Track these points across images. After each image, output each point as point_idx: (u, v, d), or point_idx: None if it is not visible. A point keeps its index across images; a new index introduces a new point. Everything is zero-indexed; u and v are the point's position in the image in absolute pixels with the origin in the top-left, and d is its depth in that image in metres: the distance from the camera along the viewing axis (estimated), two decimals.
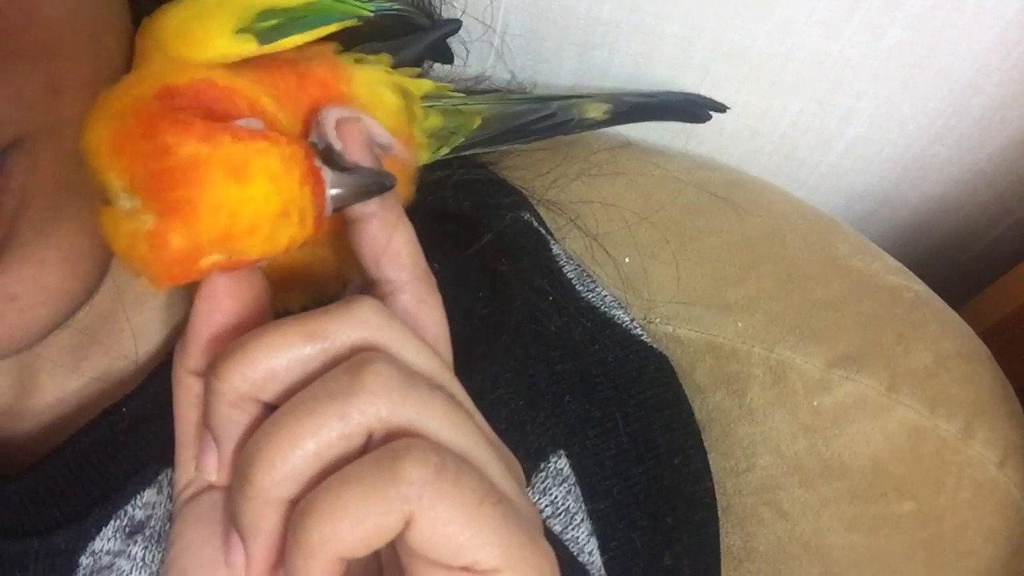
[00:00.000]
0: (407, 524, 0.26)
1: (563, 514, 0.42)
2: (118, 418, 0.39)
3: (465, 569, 0.26)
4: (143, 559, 0.37)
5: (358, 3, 0.35)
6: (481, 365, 0.43)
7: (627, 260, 0.52)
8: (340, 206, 0.30)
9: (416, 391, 0.27)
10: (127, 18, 0.34)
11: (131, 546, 0.37)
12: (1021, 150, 0.64)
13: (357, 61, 0.36)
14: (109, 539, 0.37)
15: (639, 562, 0.44)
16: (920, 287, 0.56)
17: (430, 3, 0.44)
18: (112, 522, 0.37)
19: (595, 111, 0.49)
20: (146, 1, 0.33)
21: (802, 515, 0.51)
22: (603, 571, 0.43)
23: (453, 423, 0.28)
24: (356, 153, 0.31)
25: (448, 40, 0.43)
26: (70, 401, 0.40)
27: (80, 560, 0.37)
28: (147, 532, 0.38)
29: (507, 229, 0.47)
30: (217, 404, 0.28)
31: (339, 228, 0.32)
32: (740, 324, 0.52)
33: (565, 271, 0.48)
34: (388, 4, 0.37)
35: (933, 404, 0.51)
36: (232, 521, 0.28)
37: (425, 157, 0.40)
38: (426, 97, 0.39)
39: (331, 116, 0.32)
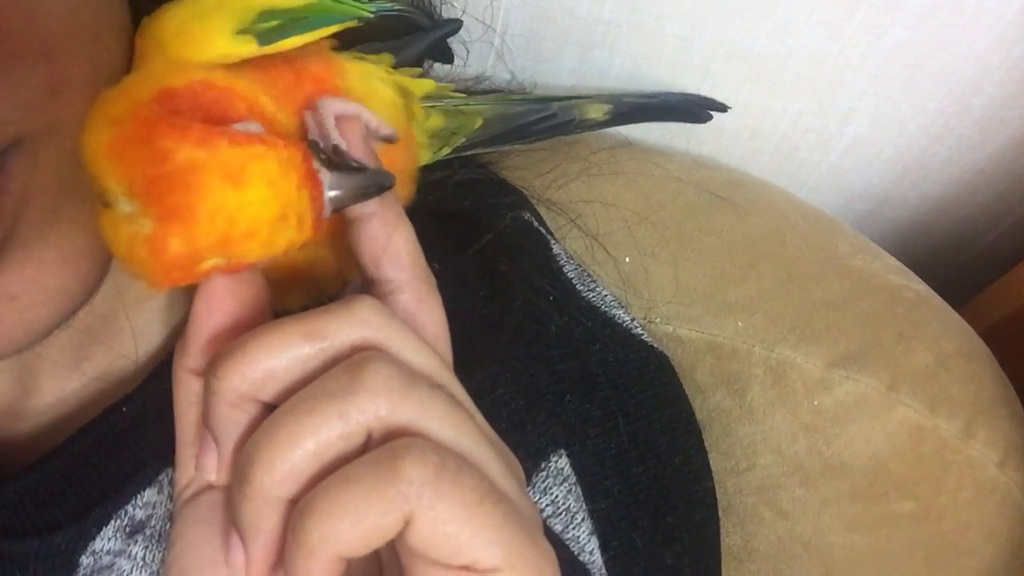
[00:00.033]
0: (407, 523, 0.26)
1: (564, 513, 0.42)
2: (118, 418, 0.39)
3: (465, 568, 0.26)
4: (143, 559, 0.37)
5: (358, 4, 0.35)
6: (481, 365, 0.42)
7: (627, 260, 0.52)
8: (339, 207, 0.30)
9: (416, 390, 0.27)
10: (127, 18, 0.34)
11: (131, 546, 0.37)
12: (1021, 150, 0.64)
13: (357, 59, 0.36)
14: (109, 539, 0.37)
15: (640, 561, 0.44)
16: (920, 287, 0.56)
17: (430, 3, 0.44)
18: (112, 522, 0.37)
19: (596, 112, 0.49)
20: (146, 1, 0.33)
21: (803, 515, 0.51)
22: (604, 570, 0.43)
23: (453, 422, 0.28)
24: (355, 153, 0.31)
25: (448, 40, 0.43)
26: (70, 401, 0.40)
27: (80, 560, 0.37)
28: (147, 532, 0.38)
29: (507, 229, 0.47)
30: (217, 404, 0.28)
31: (339, 228, 0.32)
32: (740, 324, 0.52)
33: (565, 271, 0.48)
34: (389, 5, 0.37)
35: (934, 404, 0.51)
36: (232, 521, 0.28)
37: (426, 157, 0.40)
38: (427, 97, 0.39)
39: (328, 107, 0.32)
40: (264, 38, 0.31)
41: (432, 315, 0.32)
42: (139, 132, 0.27)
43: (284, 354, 0.28)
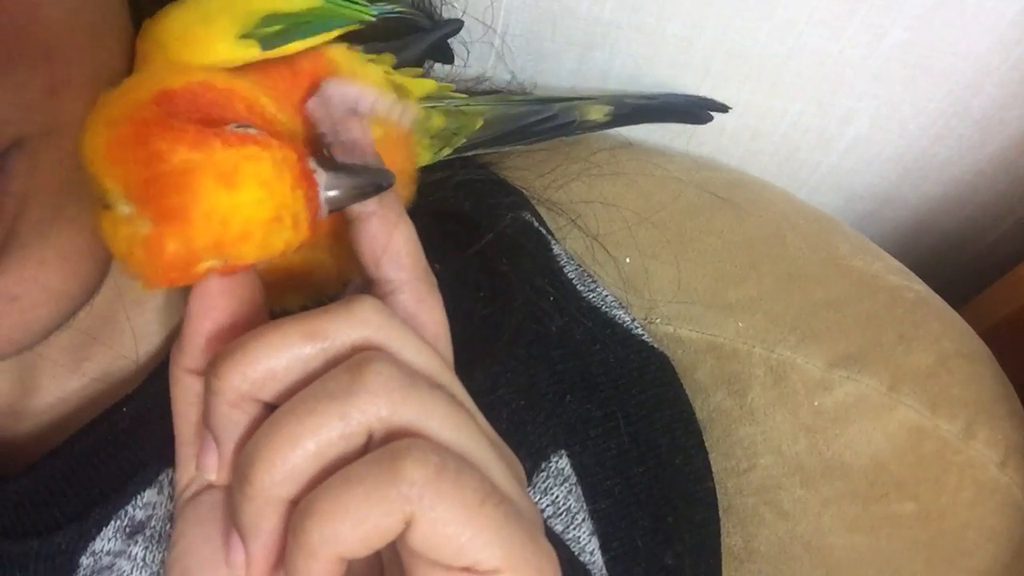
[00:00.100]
0: (408, 525, 0.26)
1: (564, 514, 0.42)
2: (119, 418, 0.39)
3: (466, 570, 0.26)
4: (144, 559, 0.37)
5: (360, 7, 0.35)
6: (482, 365, 0.42)
7: (628, 260, 0.52)
8: (336, 207, 0.30)
9: (417, 391, 0.27)
10: (127, 19, 0.34)
11: (132, 546, 0.37)
12: (1021, 150, 0.64)
13: (358, 59, 0.36)
14: (110, 539, 0.37)
15: (640, 562, 0.44)
16: (921, 287, 0.56)
17: (431, 4, 0.44)
18: (112, 522, 0.37)
19: (596, 113, 0.49)
20: (146, 2, 0.33)
21: (803, 515, 0.51)
22: (604, 571, 0.43)
23: (454, 423, 0.28)
24: (352, 152, 0.31)
25: (449, 41, 0.43)
26: (71, 401, 0.40)
27: (80, 560, 0.37)
28: (148, 532, 0.38)
29: (508, 229, 0.47)
30: (217, 403, 0.28)
31: (339, 228, 0.32)
32: (741, 324, 0.52)
33: (566, 271, 0.48)
34: (389, 7, 0.37)
35: (934, 404, 0.51)
36: (232, 521, 0.28)
37: (427, 158, 0.40)
38: (428, 98, 0.39)
39: (332, 90, 0.32)
40: (267, 42, 0.31)
41: (432, 315, 0.32)
42: (136, 134, 0.27)
43: (285, 354, 0.28)
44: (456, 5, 0.50)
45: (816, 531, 0.51)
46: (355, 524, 0.25)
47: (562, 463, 0.43)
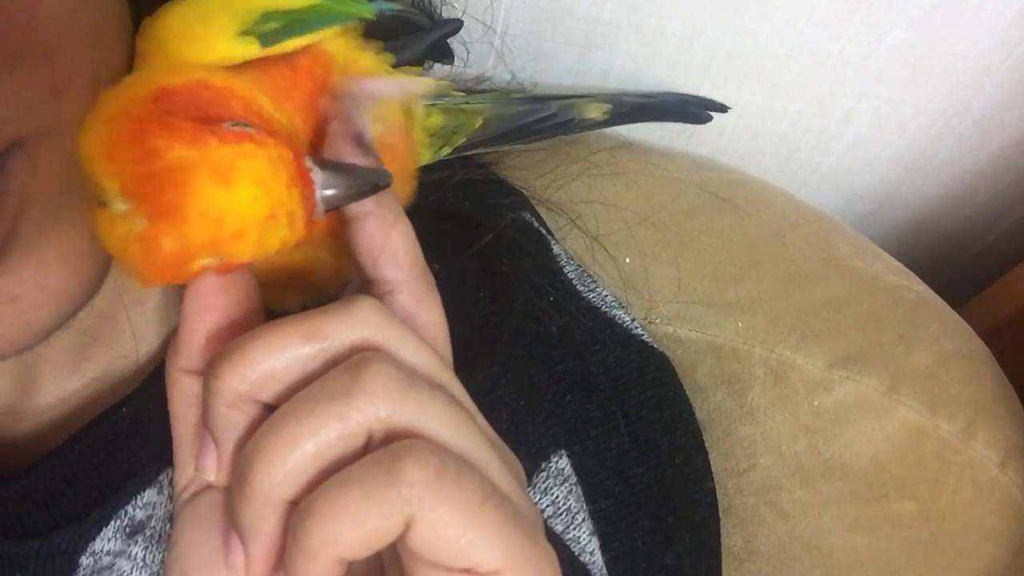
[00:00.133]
0: (408, 526, 0.26)
1: (564, 514, 0.42)
2: (118, 418, 0.39)
3: (467, 571, 0.26)
4: (144, 559, 0.37)
5: (360, 5, 0.35)
6: (482, 365, 0.42)
7: (628, 260, 0.52)
8: (333, 206, 0.30)
9: (416, 391, 0.27)
10: (128, 19, 0.34)
11: (132, 546, 0.37)
12: (1021, 150, 0.64)
13: (362, 53, 0.36)
14: (109, 539, 0.37)
15: (640, 562, 0.44)
16: (921, 287, 0.56)
17: (430, 4, 0.44)
18: (112, 522, 0.37)
19: (595, 111, 0.49)
20: (146, 1, 0.33)
21: (803, 515, 0.51)
22: (604, 571, 0.43)
23: (454, 423, 0.28)
24: (349, 152, 0.31)
25: (448, 40, 0.43)
26: (71, 401, 0.40)
27: (80, 560, 0.37)
28: (148, 532, 0.38)
29: (508, 229, 0.47)
30: (216, 404, 0.28)
31: (339, 228, 0.32)
32: (741, 324, 0.52)
33: (566, 271, 0.48)
34: (389, 5, 0.37)
35: (934, 404, 0.51)
36: (232, 522, 0.28)
37: (427, 157, 0.40)
38: (427, 96, 0.39)
39: (360, 87, 0.32)
40: (266, 39, 0.31)
41: (431, 315, 0.32)
42: (132, 131, 0.27)
43: (283, 354, 0.28)
44: (456, 5, 0.50)
45: (816, 531, 0.51)
46: (355, 525, 0.25)
47: (562, 463, 0.43)
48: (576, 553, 0.42)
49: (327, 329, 0.28)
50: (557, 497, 0.43)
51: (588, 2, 0.57)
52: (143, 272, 0.28)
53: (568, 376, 0.45)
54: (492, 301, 0.45)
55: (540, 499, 0.42)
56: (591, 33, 0.58)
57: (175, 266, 0.28)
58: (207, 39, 0.31)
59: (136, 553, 0.37)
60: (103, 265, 0.33)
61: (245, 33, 0.31)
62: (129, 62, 0.32)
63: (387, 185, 0.30)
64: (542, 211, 0.51)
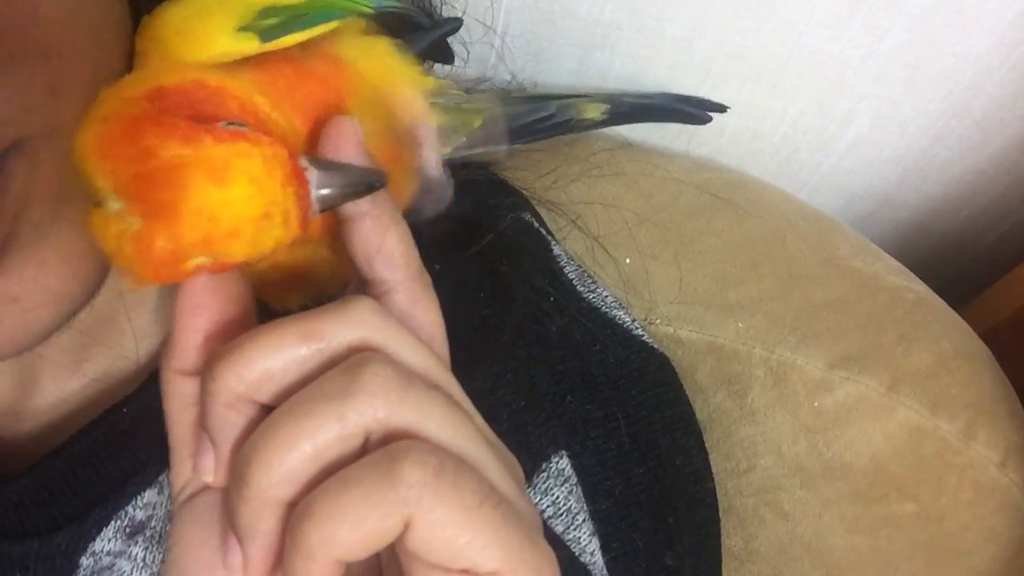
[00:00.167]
0: (406, 527, 0.26)
1: (565, 514, 0.42)
2: (119, 419, 0.39)
3: (465, 572, 0.26)
4: (144, 560, 0.37)
5: (359, 0, 0.35)
6: (482, 365, 0.42)
7: (628, 261, 0.52)
8: (328, 206, 0.30)
9: (414, 392, 0.27)
10: (127, 19, 0.34)
11: (132, 547, 0.37)
12: (1022, 151, 0.64)
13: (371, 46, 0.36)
14: (110, 540, 0.37)
15: (641, 562, 0.44)
16: (921, 288, 0.56)
17: (430, 3, 0.44)
18: (112, 523, 0.37)
19: (594, 111, 0.49)
20: (145, 1, 0.33)
21: (803, 516, 0.51)
22: (605, 571, 0.43)
23: (452, 424, 0.28)
24: (346, 152, 0.31)
25: (449, 41, 0.43)
26: (71, 402, 0.40)
27: (80, 561, 0.37)
28: (148, 533, 0.38)
29: (508, 230, 0.47)
30: (213, 405, 0.28)
31: (337, 228, 0.32)
32: (741, 325, 0.52)
33: (566, 272, 0.48)
34: (388, 2, 0.37)
35: (934, 405, 0.51)
36: (230, 523, 0.28)
37: None
38: (428, 94, 0.39)
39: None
40: (266, 35, 0.31)
41: (428, 314, 0.32)
42: (127, 130, 0.27)
43: (281, 355, 0.28)
44: (456, 5, 0.50)
45: (816, 532, 0.51)
46: (353, 527, 0.25)
47: (562, 463, 0.43)
48: (576, 554, 0.42)
49: (324, 329, 0.28)
50: (557, 497, 0.43)
51: (588, 3, 0.57)
52: (138, 271, 0.28)
53: (568, 376, 0.45)
54: (492, 301, 0.45)
55: (540, 499, 0.42)
56: (591, 34, 0.58)
57: (170, 265, 0.28)
58: (206, 35, 0.31)
59: (136, 553, 0.37)
60: (103, 265, 0.33)
61: (244, 29, 0.31)
62: (129, 62, 0.32)
63: (382, 185, 0.30)
64: (542, 211, 0.51)
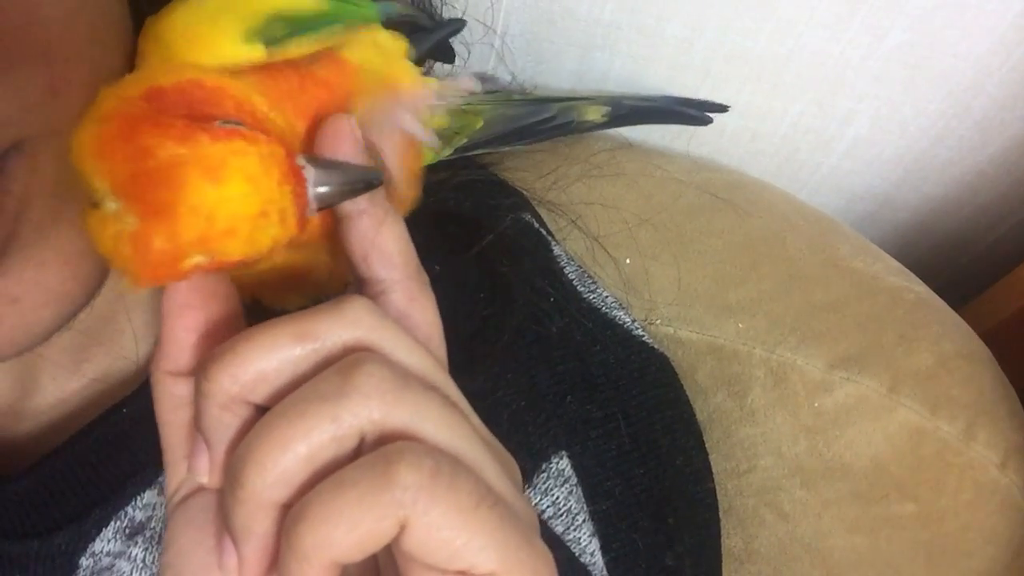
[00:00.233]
0: (402, 529, 0.25)
1: (565, 515, 0.42)
2: (118, 419, 0.39)
3: (462, 573, 0.26)
4: (143, 560, 0.37)
5: (365, 8, 0.35)
6: (482, 366, 0.42)
7: (628, 261, 0.52)
8: (326, 205, 0.29)
9: (410, 392, 0.27)
10: (127, 18, 0.34)
11: (131, 547, 0.37)
12: (1022, 151, 0.64)
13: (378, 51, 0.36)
14: (109, 540, 0.37)
15: (641, 563, 0.44)
16: (921, 288, 0.56)
17: (431, 4, 0.44)
18: (112, 523, 0.37)
19: (594, 113, 0.49)
20: (146, 2, 0.33)
21: (803, 516, 0.51)
22: (605, 572, 0.43)
23: (448, 424, 0.28)
24: (343, 150, 0.31)
25: (449, 41, 0.43)
26: (71, 402, 0.40)
27: (80, 561, 0.37)
28: (147, 533, 0.38)
29: (508, 230, 0.47)
30: (207, 406, 0.28)
31: (335, 227, 0.32)
32: (741, 325, 0.52)
33: (566, 272, 0.48)
34: (395, 7, 0.37)
35: (934, 405, 0.51)
36: (224, 524, 0.28)
37: (430, 157, 0.40)
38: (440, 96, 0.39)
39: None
40: (272, 43, 0.31)
41: (425, 314, 0.31)
42: (123, 129, 0.27)
43: (275, 356, 0.27)
44: (456, 6, 0.50)
45: (816, 532, 0.51)
46: (349, 529, 0.25)
47: (563, 464, 0.43)
48: (576, 554, 0.42)
49: (318, 330, 0.28)
50: (558, 498, 0.43)
51: (588, 3, 0.57)
52: (135, 271, 0.28)
53: (568, 377, 0.45)
54: (492, 302, 0.45)
55: (540, 500, 0.42)
56: (591, 34, 0.58)
57: (167, 265, 0.28)
58: (212, 41, 0.31)
59: (136, 554, 0.37)
60: (103, 266, 0.33)
61: (250, 36, 0.31)
62: (130, 63, 0.32)
63: (380, 183, 0.30)
64: (542, 212, 0.51)
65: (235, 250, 0.28)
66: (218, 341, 0.29)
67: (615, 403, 0.45)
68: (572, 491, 0.43)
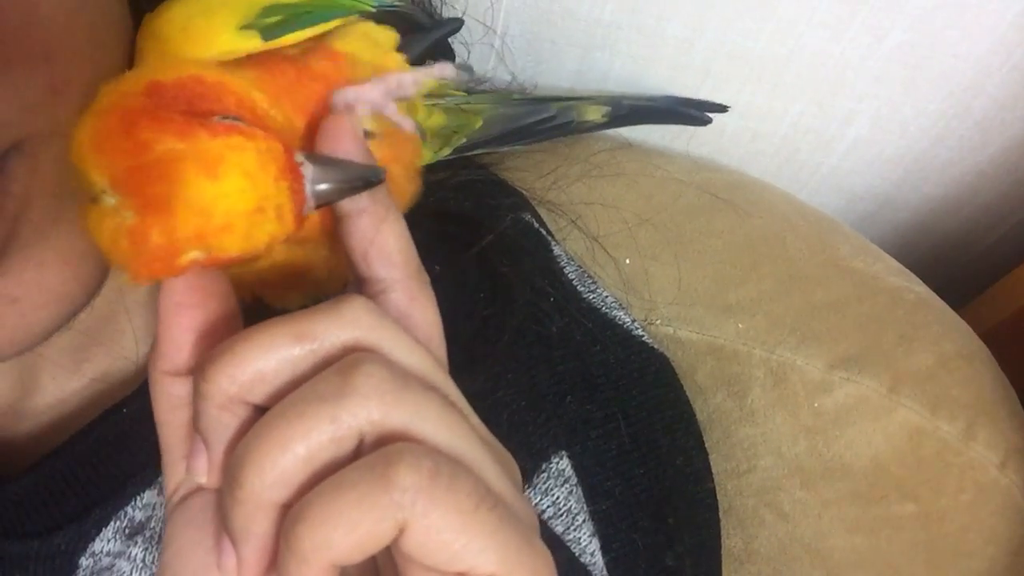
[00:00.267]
0: (401, 530, 0.25)
1: (565, 515, 0.42)
2: (118, 419, 0.39)
3: (461, 575, 0.26)
4: (143, 560, 0.37)
5: (358, 1, 0.35)
6: (483, 366, 0.42)
7: (628, 261, 0.52)
8: (325, 202, 0.29)
9: (409, 393, 0.27)
10: (127, 18, 0.34)
11: (131, 547, 0.37)
12: (1022, 152, 0.64)
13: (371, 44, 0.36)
14: (109, 540, 0.37)
15: (641, 563, 0.44)
16: (921, 288, 0.56)
17: (431, 3, 0.44)
18: (112, 523, 0.37)
19: (594, 113, 0.49)
20: (146, 1, 0.33)
21: (803, 516, 0.51)
22: (605, 572, 0.43)
23: (447, 425, 0.27)
24: (343, 147, 0.31)
25: (449, 41, 0.43)
26: (71, 402, 0.40)
27: (80, 561, 0.37)
28: (147, 533, 0.38)
29: (508, 230, 0.47)
30: (205, 406, 0.28)
31: (336, 226, 0.32)
32: (741, 326, 0.52)
33: (566, 272, 0.48)
34: (390, 1, 0.37)
35: (934, 405, 0.51)
36: (223, 524, 0.28)
37: (428, 156, 0.40)
38: (429, 95, 0.39)
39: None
40: (268, 33, 0.31)
41: (425, 314, 0.31)
42: (122, 124, 0.27)
43: (273, 356, 0.27)
44: (456, 6, 0.50)
45: (816, 533, 0.51)
46: (347, 531, 0.25)
47: (563, 464, 0.43)
48: (577, 554, 0.42)
49: (317, 330, 0.27)
50: (558, 498, 0.43)
51: (588, 3, 0.57)
52: (133, 266, 0.28)
53: (569, 377, 0.45)
54: (492, 302, 0.45)
55: (541, 500, 0.42)
56: (591, 34, 0.58)
57: (164, 260, 0.28)
58: (209, 33, 0.31)
59: (136, 554, 0.37)
60: (103, 266, 0.33)
61: (247, 27, 0.31)
62: (130, 62, 0.32)
63: (380, 181, 0.30)
64: (542, 212, 0.51)
65: (232, 246, 0.28)
66: (215, 340, 0.29)
67: (615, 403, 0.45)
68: (572, 491, 0.43)
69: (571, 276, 0.48)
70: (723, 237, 0.54)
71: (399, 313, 0.30)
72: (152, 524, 0.38)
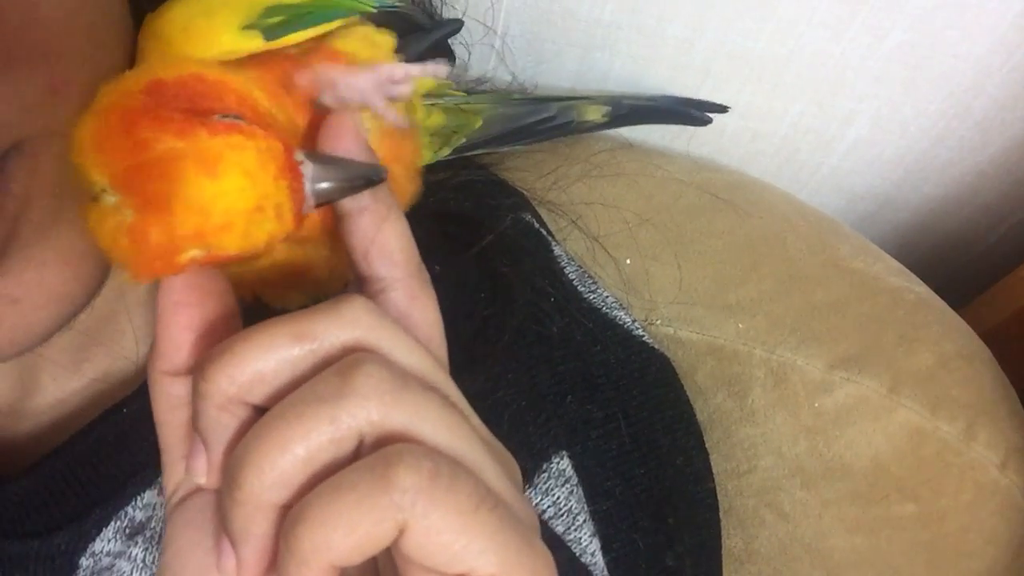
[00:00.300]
0: (401, 532, 0.25)
1: (565, 515, 0.42)
2: (119, 419, 0.39)
3: None
4: (143, 560, 0.37)
5: (359, 1, 0.35)
6: (483, 366, 0.42)
7: (628, 261, 0.52)
8: (325, 200, 0.29)
9: (409, 393, 0.27)
10: (128, 18, 0.34)
11: (131, 547, 0.37)
12: (1022, 152, 0.64)
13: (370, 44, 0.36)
14: (109, 540, 0.37)
15: (641, 563, 0.44)
16: (921, 288, 0.56)
17: (431, 3, 0.44)
18: (112, 523, 0.37)
19: (594, 113, 0.49)
20: (146, 1, 0.33)
21: (803, 517, 0.51)
22: (606, 572, 0.43)
23: (447, 425, 0.27)
24: (344, 146, 0.30)
25: (449, 41, 0.43)
26: (71, 402, 0.40)
27: (80, 561, 0.37)
28: (147, 533, 0.38)
29: (508, 230, 0.47)
30: (205, 407, 0.28)
31: (336, 225, 0.32)
32: (741, 326, 0.52)
33: (567, 272, 0.48)
34: (391, 1, 0.37)
35: (934, 406, 0.51)
36: (223, 525, 0.28)
37: (428, 156, 0.40)
38: (428, 95, 0.39)
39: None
40: (269, 33, 0.31)
41: (425, 313, 0.31)
42: (122, 123, 0.27)
43: (272, 356, 0.27)
44: (456, 7, 0.50)
45: (816, 533, 0.51)
46: (347, 532, 0.25)
47: (563, 464, 0.43)
48: (577, 554, 0.42)
49: (316, 330, 0.27)
50: (558, 498, 0.42)
51: (589, 3, 0.57)
52: (133, 265, 0.28)
53: (569, 377, 0.45)
54: (493, 302, 0.45)
55: (541, 500, 0.42)
56: (592, 34, 0.58)
57: (163, 258, 0.28)
58: (211, 33, 0.31)
59: (136, 554, 0.37)
60: (104, 266, 0.33)
61: (248, 27, 0.31)
62: (130, 62, 0.32)
63: (381, 180, 0.30)
64: (543, 212, 0.51)
65: (231, 244, 0.28)
66: (214, 340, 0.29)
67: (616, 403, 0.45)
68: (573, 491, 0.43)
69: (571, 276, 0.48)
70: (723, 237, 0.54)
71: (399, 312, 0.30)
72: (152, 524, 0.38)
